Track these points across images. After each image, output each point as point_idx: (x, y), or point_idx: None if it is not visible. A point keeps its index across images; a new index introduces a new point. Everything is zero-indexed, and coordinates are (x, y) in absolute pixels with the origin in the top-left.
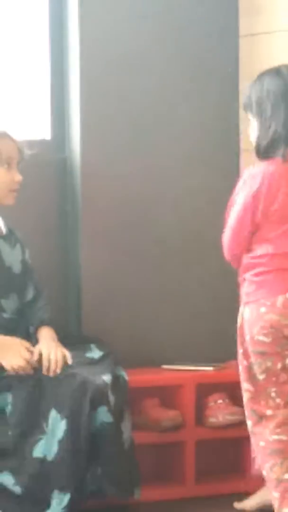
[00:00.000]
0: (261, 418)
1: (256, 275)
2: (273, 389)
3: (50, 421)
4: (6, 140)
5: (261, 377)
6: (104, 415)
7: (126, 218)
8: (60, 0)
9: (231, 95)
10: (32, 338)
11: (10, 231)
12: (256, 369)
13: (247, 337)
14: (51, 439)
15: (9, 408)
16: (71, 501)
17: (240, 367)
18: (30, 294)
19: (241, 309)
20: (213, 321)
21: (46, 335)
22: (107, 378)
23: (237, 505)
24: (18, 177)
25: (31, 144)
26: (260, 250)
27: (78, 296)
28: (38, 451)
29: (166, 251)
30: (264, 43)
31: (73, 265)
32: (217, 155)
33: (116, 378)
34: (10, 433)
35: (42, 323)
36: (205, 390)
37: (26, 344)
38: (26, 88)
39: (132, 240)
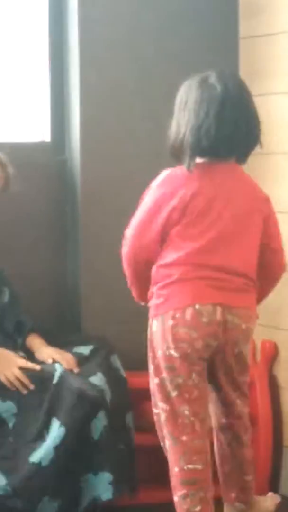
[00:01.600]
0: (176, 442)
1: (164, 287)
2: (186, 408)
3: (51, 429)
4: None
5: (173, 394)
6: (102, 419)
7: (126, 220)
8: (60, 2)
9: None
10: (16, 344)
11: None
12: (168, 385)
13: (159, 352)
14: (48, 445)
15: (12, 420)
16: (60, 510)
17: (152, 386)
18: (5, 296)
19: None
20: None
21: (42, 342)
22: (99, 380)
23: None
24: None
25: (30, 146)
26: (169, 258)
27: (78, 298)
28: (35, 457)
29: None
30: (264, 45)
31: (72, 267)
32: None
33: (110, 374)
34: (11, 440)
35: (32, 330)
36: None
37: (18, 357)
38: (26, 90)
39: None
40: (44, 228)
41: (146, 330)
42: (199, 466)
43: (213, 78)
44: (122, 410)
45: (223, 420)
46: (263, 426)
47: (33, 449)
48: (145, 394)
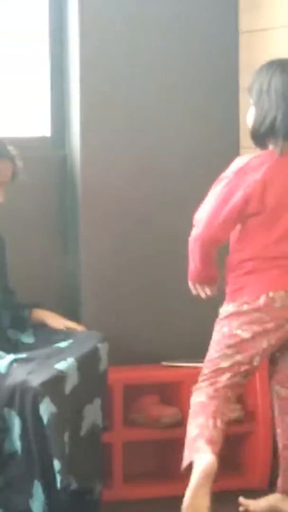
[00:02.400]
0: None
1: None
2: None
3: (7, 417)
4: (9, 165)
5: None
6: (47, 407)
7: (126, 215)
8: None
9: (231, 92)
10: (25, 322)
11: None
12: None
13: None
14: (13, 435)
15: None
16: (46, 491)
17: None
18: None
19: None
20: (213, 319)
21: (51, 313)
22: (66, 364)
23: (243, 501)
24: (1, 199)
25: (31, 141)
26: (246, 250)
27: (78, 293)
28: (6, 448)
29: (166, 248)
30: (264, 39)
31: (73, 261)
32: (216, 152)
33: (81, 363)
34: None
35: (37, 305)
36: None
37: None
38: (26, 85)
39: (132, 237)
40: (44, 223)
41: (142, 325)
42: None
43: None
44: (83, 401)
45: None
46: (263, 424)
47: (2, 441)
48: (141, 390)
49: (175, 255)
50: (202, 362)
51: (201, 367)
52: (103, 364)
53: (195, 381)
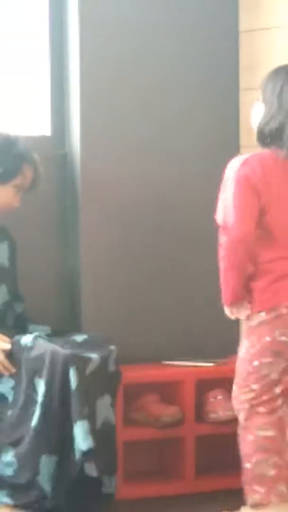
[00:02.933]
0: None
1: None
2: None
3: (37, 389)
4: (32, 172)
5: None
6: (75, 374)
7: (126, 214)
8: None
9: (231, 91)
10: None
11: (1, 228)
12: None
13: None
14: (38, 405)
15: (11, 393)
16: (59, 465)
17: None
18: (5, 294)
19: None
20: (213, 317)
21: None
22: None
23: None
24: (17, 203)
25: (31, 140)
26: (266, 255)
27: (78, 292)
28: (34, 421)
29: (166, 247)
30: (264, 38)
31: (72, 260)
32: (216, 151)
33: (102, 358)
34: (9, 413)
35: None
36: (205, 386)
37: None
38: (26, 84)
39: (133, 236)
40: (44, 221)
41: (143, 324)
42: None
43: None
44: (96, 393)
45: None
46: None
47: (32, 415)
48: (142, 389)
49: (176, 253)
50: (202, 361)
51: (201, 366)
52: (111, 366)
53: (195, 380)
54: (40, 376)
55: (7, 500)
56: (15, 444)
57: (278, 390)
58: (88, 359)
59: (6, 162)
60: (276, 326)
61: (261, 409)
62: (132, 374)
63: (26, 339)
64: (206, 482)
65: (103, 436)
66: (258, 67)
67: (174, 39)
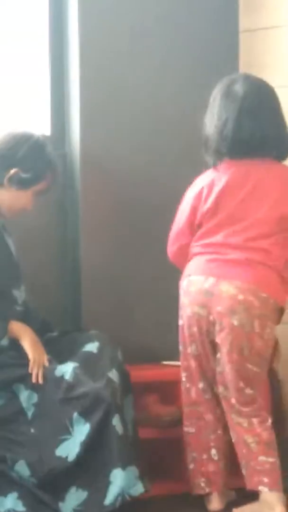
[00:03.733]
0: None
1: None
2: None
3: (74, 423)
4: (51, 177)
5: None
6: (117, 422)
7: (126, 213)
8: None
9: None
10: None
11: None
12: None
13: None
14: (75, 440)
15: (31, 409)
16: (89, 500)
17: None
18: (23, 292)
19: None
20: None
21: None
22: (114, 375)
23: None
24: (30, 208)
25: None
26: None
27: (78, 291)
28: (61, 450)
29: (165, 248)
30: (264, 38)
31: (72, 260)
32: None
33: (120, 369)
34: (32, 431)
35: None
36: None
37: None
38: (26, 84)
39: (132, 235)
40: (44, 223)
41: (143, 324)
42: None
43: (237, 87)
44: (128, 403)
45: None
46: None
47: (59, 442)
48: (141, 389)
49: None
50: None
51: None
52: (125, 367)
53: None
54: (83, 416)
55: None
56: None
57: None
58: (117, 388)
59: (35, 168)
60: None
61: None
62: (132, 374)
63: (64, 370)
64: None
65: (136, 439)
66: (258, 67)
67: (174, 39)
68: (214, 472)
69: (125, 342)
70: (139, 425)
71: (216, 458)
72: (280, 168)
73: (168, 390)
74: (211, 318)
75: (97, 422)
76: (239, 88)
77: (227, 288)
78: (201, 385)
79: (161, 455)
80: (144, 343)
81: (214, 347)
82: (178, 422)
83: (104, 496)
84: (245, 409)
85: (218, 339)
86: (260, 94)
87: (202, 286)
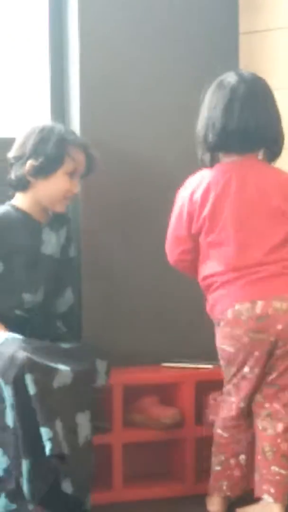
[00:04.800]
0: None
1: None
2: None
3: (3, 387)
4: (81, 153)
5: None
6: (32, 380)
7: (126, 215)
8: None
9: None
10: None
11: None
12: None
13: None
14: (7, 407)
15: None
16: (32, 467)
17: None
18: (70, 297)
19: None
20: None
21: None
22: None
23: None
24: (76, 189)
25: None
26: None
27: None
28: (7, 421)
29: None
30: (264, 40)
31: None
32: None
33: (78, 371)
34: None
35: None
36: (204, 388)
37: None
38: (26, 84)
39: (133, 238)
40: None
41: (142, 326)
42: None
43: (229, 79)
44: (75, 407)
45: None
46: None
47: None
48: (141, 391)
49: None
50: (202, 363)
51: (201, 368)
52: (99, 381)
53: (195, 382)
54: (4, 378)
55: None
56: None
57: None
58: (53, 370)
59: (48, 152)
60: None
61: None
62: (132, 376)
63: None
64: (206, 484)
65: (86, 453)
66: (258, 69)
67: (173, 40)
68: (238, 477)
69: (125, 343)
70: (138, 427)
71: (243, 463)
72: (279, 175)
73: (168, 392)
74: (272, 339)
75: (16, 383)
76: (230, 79)
77: (280, 305)
78: (245, 401)
79: (161, 457)
80: (144, 345)
81: (269, 360)
82: (177, 424)
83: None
84: (280, 407)
85: (278, 352)
86: (254, 85)
87: (253, 313)
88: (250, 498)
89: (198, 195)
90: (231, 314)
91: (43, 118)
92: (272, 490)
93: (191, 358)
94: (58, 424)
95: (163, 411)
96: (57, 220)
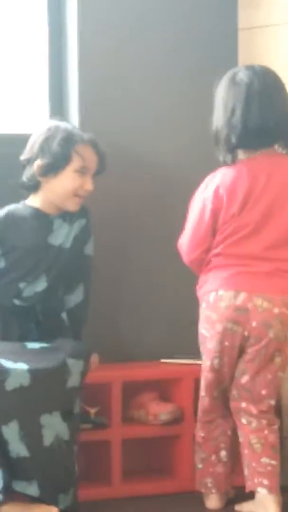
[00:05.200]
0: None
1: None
2: None
3: None
4: (90, 150)
5: None
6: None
7: (126, 212)
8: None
9: None
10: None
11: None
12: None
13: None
14: None
15: None
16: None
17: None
18: (80, 295)
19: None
20: None
21: None
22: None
23: (238, 507)
24: (89, 186)
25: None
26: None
27: None
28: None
29: (165, 245)
30: (263, 36)
31: None
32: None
33: (37, 370)
34: None
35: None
36: None
37: None
38: (24, 83)
39: (130, 235)
40: None
41: (142, 322)
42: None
43: (240, 75)
44: (38, 408)
45: None
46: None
47: None
48: (140, 387)
49: (175, 251)
50: (201, 359)
51: (200, 364)
52: (72, 381)
53: (194, 378)
54: None
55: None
56: None
57: None
58: (4, 372)
59: (54, 150)
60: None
61: None
62: (131, 372)
63: None
64: None
65: (55, 453)
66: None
67: (172, 36)
68: (221, 473)
69: (124, 339)
70: (137, 423)
71: (225, 459)
72: None
73: (167, 388)
74: (245, 333)
75: None
76: (242, 75)
77: (261, 303)
78: (215, 394)
79: (159, 453)
80: (143, 341)
81: (239, 356)
82: (176, 420)
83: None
84: (257, 413)
85: (250, 350)
86: (266, 78)
87: (233, 302)
88: (250, 494)
89: (223, 192)
90: (212, 298)
91: (42, 116)
92: (265, 482)
93: (190, 354)
94: (14, 426)
95: (162, 407)
96: (74, 213)
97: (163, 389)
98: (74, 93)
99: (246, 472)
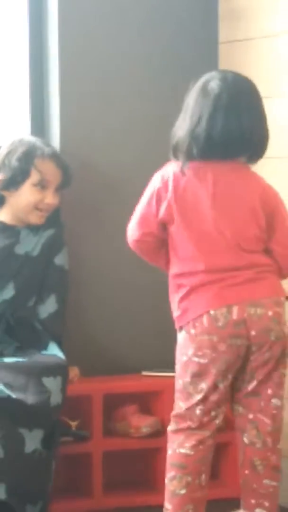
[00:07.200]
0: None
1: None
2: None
3: None
4: (50, 164)
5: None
6: None
7: (105, 226)
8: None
9: None
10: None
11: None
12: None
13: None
14: None
15: None
16: None
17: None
18: (52, 305)
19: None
20: None
21: None
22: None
23: None
24: (50, 200)
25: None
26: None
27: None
28: None
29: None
30: (244, 49)
31: None
32: None
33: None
34: None
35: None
36: None
37: None
38: (6, 94)
39: (112, 249)
40: None
41: (123, 335)
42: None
43: (212, 84)
44: (18, 421)
45: None
46: None
47: None
48: (121, 399)
49: (155, 267)
50: None
51: None
52: (55, 399)
53: (174, 391)
54: None
55: None
56: None
57: None
58: None
59: (13, 165)
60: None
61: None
62: (112, 385)
63: None
64: None
65: (33, 463)
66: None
67: (153, 49)
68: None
69: (105, 352)
70: (118, 436)
71: (204, 484)
72: (257, 181)
73: (148, 401)
74: (248, 344)
75: None
76: (214, 85)
77: (255, 311)
78: (207, 413)
79: (140, 466)
80: (124, 354)
81: (243, 367)
82: (157, 433)
83: None
84: (267, 422)
85: (253, 357)
86: (238, 89)
87: (230, 317)
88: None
89: (169, 177)
90: (206, 321)
91: (23, 130)
92: (266, 504)
93: (171, 367)
94: None
95: (143, 420)
96: (42, 224)
97: (144, 401)
98: (55, 106)
99: (244, 491)
